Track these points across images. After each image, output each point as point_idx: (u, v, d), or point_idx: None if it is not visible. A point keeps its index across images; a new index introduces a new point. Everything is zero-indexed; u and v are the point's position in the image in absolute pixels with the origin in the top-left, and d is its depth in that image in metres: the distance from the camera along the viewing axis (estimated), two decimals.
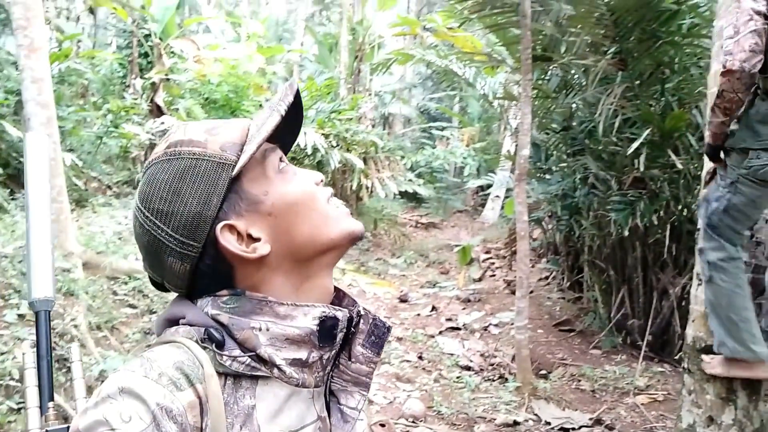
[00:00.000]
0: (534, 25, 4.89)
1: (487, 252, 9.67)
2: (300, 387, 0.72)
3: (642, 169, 4.81)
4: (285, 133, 0.80)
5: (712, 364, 2.63)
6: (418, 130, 16.76)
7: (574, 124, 6.23)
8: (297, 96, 0.77)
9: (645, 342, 5.18)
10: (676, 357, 5.02)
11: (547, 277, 8.06)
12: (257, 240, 0.72)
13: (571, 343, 5.88)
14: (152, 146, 8.15)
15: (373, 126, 11.22)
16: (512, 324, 6.14)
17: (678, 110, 4.62)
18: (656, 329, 5.40)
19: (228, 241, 0.71)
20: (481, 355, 5.57)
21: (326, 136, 8.46)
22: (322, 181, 0.80)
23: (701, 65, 4.90)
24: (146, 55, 8.74)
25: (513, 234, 7.84)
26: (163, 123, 6.99)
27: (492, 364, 5.34)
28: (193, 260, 0.72)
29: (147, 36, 8.26)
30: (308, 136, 7.99)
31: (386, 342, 0.79)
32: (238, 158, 0.72)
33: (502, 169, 11.19)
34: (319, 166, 8.44)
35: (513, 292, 6.73)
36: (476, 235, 10.92)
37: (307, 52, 12.42)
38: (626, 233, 5.19)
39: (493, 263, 9.11)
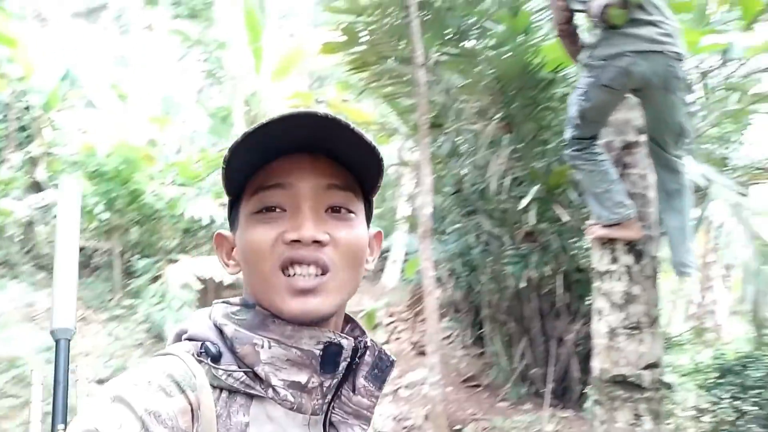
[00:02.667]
0: (426, 94, 5.23)
1: (390, 315, 9.72)
2: (295, 411, 0.70)
3: (533, 223, 5.17)
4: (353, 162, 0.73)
5: (594, 230, 3.02)
6: None
7: (466, 186, 6.61)
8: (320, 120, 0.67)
9: (548, 389, 5.40)
10: (578, 401, 5.27)
11: (449, 336, 8.22)
12: (234, 258, 0.76)
13: (480, 398, 5.99)
14: (31, 223, 7.57)
15: None
16: (422, 384, 6.17)
17: (559, 168, 5.07)
18: (556, 376, 5.66)
19: (218, 247, 0.77)
20: (394, 418, 5.53)
21: (223, 206, 8.29)
22: (300, 240, 0.69)
23: None
24: (24, 128, 8.24)
25: (415, 296, 8.00)
26: (44, 199, 6.56)
27: (405, 427, 5.30)
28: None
29: (26, 108, 7.83)
30: (204, 207, 7.80)
31: (388, 375, 0.76)
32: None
33: (399, 232, 11.48)
34: None
35: (420, 353, 6.81)
36: (378, 299, 10.98)
37: (201, 124, 12.31)
38: (522, 285, 5.50)
39: (396, 326, 9.17)
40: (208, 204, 7.84)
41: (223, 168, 0.71)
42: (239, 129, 10.78)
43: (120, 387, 0.63)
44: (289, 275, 0.69)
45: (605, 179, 2.89)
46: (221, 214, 8.00)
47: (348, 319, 0.80)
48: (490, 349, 6.85)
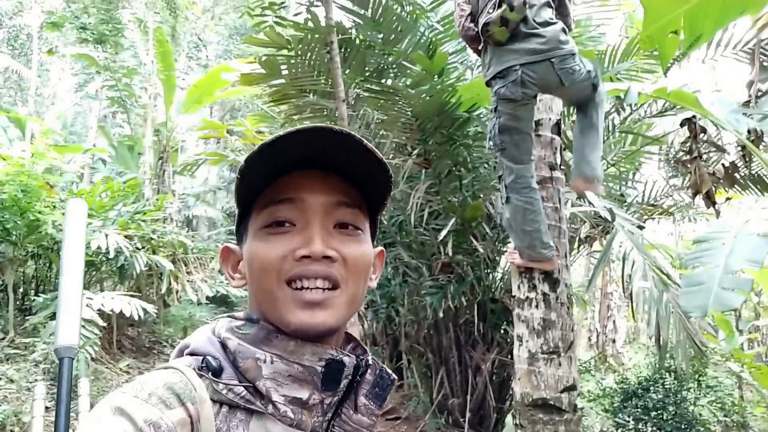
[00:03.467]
0: (347, 128, 5.32)
1: None
2: (294, 428, 0.70)
3: (450, 254, 5.32)
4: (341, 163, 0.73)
5: (515, 259, 3.18)
6: (224, 233, 16.44)
7: (384, 219, 6.73)
8: (331, 136, 0.68)
9: (466, 420, 5.50)
10: (494, 429, 5.40)
11: None
12: (240, 272, 0.78)
13: (399, 430, 5.99)
14: None
15: (179, 228, 10.78)
16: None
17: (475, 202, 5.28)
18: (474, 405, 5.77)
19: (224, 260, 0.79)
20: None
21: (130, 238, 7.90)
22: (311, 256, 0.70)
23: (487, 166, 5.73)
24: None
25: None
26: None
27: None
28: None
29: None
30: (109, 239, 7.40)
31: (389, 394, 0.77)
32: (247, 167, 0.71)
33: None
34: (122, 270, 7.80)
35: None
36: None
37: (106, 152, 11.73)
38: (440, 315, 5.61)
39: None
40: (114, 236, 7.44)
41: (238, 179, 0.71)
42: (148, 158, 10.39)
43: (120, 399, 0.63)
44: (295, 288, 0.70)
45: (536, 219, 3.00)
46: (128, 246, 7.62)
47: (349, 338, 0.80)
48: (408, 380, 6.90)
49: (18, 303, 6.58)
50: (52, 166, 7.44)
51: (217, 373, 0.68)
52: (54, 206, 6.66)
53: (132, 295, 6.83)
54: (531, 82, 2.88)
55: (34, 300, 6.27)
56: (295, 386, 0.70)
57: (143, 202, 9.14)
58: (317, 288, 0.70)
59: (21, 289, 6.94)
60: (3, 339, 5.83)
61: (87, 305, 6.43)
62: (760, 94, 4.21)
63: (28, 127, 10.64)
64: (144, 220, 8.30)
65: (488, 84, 3.08)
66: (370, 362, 0.75)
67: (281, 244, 0.71)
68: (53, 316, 6.05)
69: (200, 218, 16.15)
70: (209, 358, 0.69)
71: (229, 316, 0.75)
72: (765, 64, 4.35)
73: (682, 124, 4.60)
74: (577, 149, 3.16)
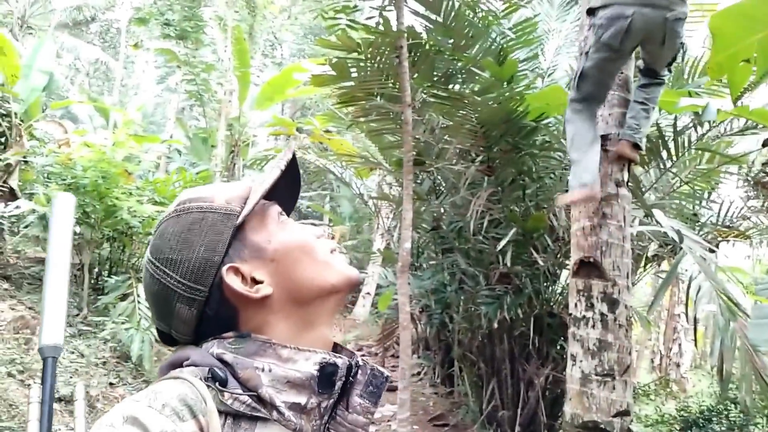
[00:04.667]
0: (412, 132, 5.33)
1: (359, 350, 9.65)
2: None
3: (509, 265, 5.24)
4: (284, 195, 0.88)
5: (560, 200, 3.26)
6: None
7: (444, 224, 6.69)
8: (294, 161, 0.85)
9: None
10: None
11: (419, 373, 8.20)
12: (260, 282, 0.77)
13: None
14: (1, 231, 7.39)
15: None
16: (389, 420, 6.11)
17: (538, 213, 5.18)
18: (524, 420, 5.66)
19: (233, 281, 0.76)
20: None
21: None
22: (324, 235, 0.84)
23: (553, 176, 5.61)
24: (1, 135, 8.09)
25: (386, 330, 7.97)
26: (18, 207, 6.41)
27: None
28: (201, 305, 0.76)
29: (5, 116, 7.71)
30: None
31: (384, 391, 0.79)
32: (242, 209, 0.79)
33: (373, 265, 11.49)
34: None
35: (389, 389, 6.75)
36: (348, 332, 10.91)
37: (182, 143, 12.24)
38: (495, 326, 5.53)
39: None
40: None
41: (227, 233, 0.78)
42: (220, 151, 10.76)
43: (134, 408, 0.64)
44: (335, 256, 0.83)
45: (585, 146, 3.03)
46: None
47: (335, 345, 0.84)
48: (459, 388, 6.85)
49: (92, 282, 6.97)
50: (130, 154, 7.83)
51: (224, 383, 0.70)
52: (130, 193, 7.01)
53: None
54: (638, 31, 2.86)
55: (106, 281, 6.63)
56: (293, 392, 0.72)
57: None
58: None
59: (96, 270, 7.35)
60: (77, 315, 6.19)
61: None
62: None
63: (111, 116, 11.25)
64: None
65: (590, 12, 3.08)
66: (360, 363, 0.78)
67: (305, 228, 0.84)
68: (123, 297, 6.39)
69: None
70: (215, 369, 0.71)
71: (215, 338, 0.76)
72: None
73: (764, 144, 4.35)
74: (632, 109, 3.17)
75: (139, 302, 6.14)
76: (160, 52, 11.35)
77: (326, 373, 0.74)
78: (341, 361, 0.75)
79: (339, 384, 0.75)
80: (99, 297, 6.57)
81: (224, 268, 0.76)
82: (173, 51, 10.94)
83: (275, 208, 0.83)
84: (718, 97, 4.79)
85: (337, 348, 0.83)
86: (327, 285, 0.79)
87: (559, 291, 5.85)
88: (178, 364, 0.74)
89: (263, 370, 0.72)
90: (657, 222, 4.26)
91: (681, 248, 4.09)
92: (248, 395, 0.71)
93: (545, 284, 5.66)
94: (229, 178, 10.68)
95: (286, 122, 11.71)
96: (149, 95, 19.57)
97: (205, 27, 11.20)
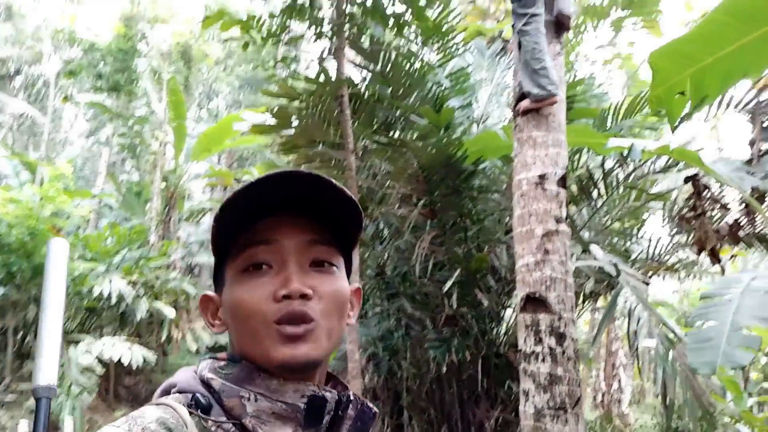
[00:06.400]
0: (356, 178, 5.39)
1: None
2: None
3: (455, 307, 5.29)
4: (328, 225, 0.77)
5: (524, 105, 3.43)
6: None
7: (388, 270, 6.70)
8: (307, 181, 0.72)
9: None
10: None
11: None
12: (219, 319, 0.79)
13: None
14: None
15: (183, 275, 10.78)
16: None
17: (480, 254, 5.29)
18: None
19: (203, 308, 0.80)
20: None
21: (133, 284, 7.90)
22: (290, 295, 0.72)
23: (492, 217, 5.77)
24: None
25: None
26: None
27: None
28: None
29: None
30: (113, 284, 7.39)
31: (372, 428, 0.77)
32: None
33: None
34: (123, 316, 7.76)
35: None
36: None
37: (114, 197, 11.85)
38: (444, 370, 5.52)
39: None
40: (117, 281, 7.43)
41: (213, 226, 0.74)
42: (155, 204, 10.48)
43: None
44: (279, 325, 0.71)
45: (543, 58, 3.30)
46: (130, 292, 7.59)
47: (330, 377, 0.81)
48: None
49: (16, 347, 6.52)
50: (59, 210, 7.52)
51: (206, 410, 0.69)
52: None
53: (132, 342, 6.77)
54: None
55: (32, 346, 6.22)
56: (278, 423, 0.71)
57: (148, 248, 9.17)
58: (297, 324, 0.72)
59: (21, 333, 6.89)
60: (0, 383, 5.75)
61: (87, 351, 6.37)
62: (761, 153, 4.28)
63: (39, 171, 10.79)
64: (148, 267, 8.32)
65: None
66: (352, 397, 0.76)
67: (262, 287, 0.73)
68: None
69: (203, 266, 16.11)
70: (198, 395, 0.70)
71: (211, 357, 0.76)
72: (765, 124, 4.43)
73: (686, 181, 4.66)
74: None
75: (69, 367, 5.77)
76: (91, 105, 11.09)
77: (314, 406, 0.72)
78: (330, 395, 0.73)
79: (327, 418, 0.73)
80: (24, 363, 6.14)
81: (202, 294, 0.79)
82: (105, 104, 10.71)
83: (255, 252, 0.74)
84: (641, 138, 5.12)
85: (330, 379, 0.81)
86: (258, 360, 0.73)
87: (503, 331, 5.93)
88: (167, 391, 0.74)
89: (249, 399, 0.70)
90: (594, 257, 4.44)
91: (617, 283, 4.26)
92: (232, 423, 0.69)
93: (491, 325, 5.74)
94: (164, 232, 10.38)
95: (223, 173, 11.59)
96: (78, 149, 18.96)
97: (139, 79, 11.06)
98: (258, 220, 0.74)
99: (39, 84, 18.94)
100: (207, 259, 15.72)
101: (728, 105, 4.99)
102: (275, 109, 5.38)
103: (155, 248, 9.32)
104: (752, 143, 4.37)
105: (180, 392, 0.72)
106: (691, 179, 4.60)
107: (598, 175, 5.43)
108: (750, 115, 4.70)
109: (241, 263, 0.74)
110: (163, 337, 8.03)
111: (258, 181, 0.70)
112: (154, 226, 10.24)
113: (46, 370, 0.84)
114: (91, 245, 7.50)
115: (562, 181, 3.46)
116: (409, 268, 5.87)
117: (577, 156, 5.55)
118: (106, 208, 14.37)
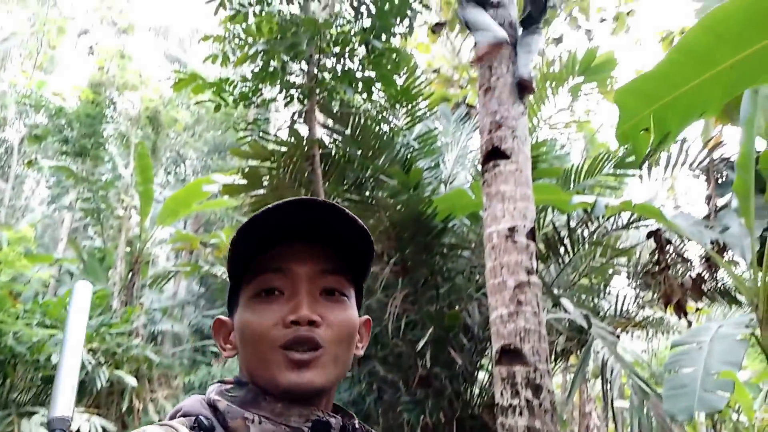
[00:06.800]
0: None
1: None
2: None
3: (428, 366, 5.22)
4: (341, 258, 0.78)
5: (479, 51, 3.63)
6: (189, 350, 15.86)
7: None
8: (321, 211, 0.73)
9: None
10: None
11: None
12: (230, 342, 0.80)
13: None
14: None
15: (145, 343, 10.42)
16: None
17: (452, 311, 5.28)
18: None
19: (216, 332, 0.82)
20: None
21: (93, 352, 7.59)
22: (298, 321, 0.73)
23: (463, 275, 5.80)
24: None
25: None
26: None
27: None
28: None
29: None
30: None
31: None
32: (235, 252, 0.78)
33: None
34: (82, 385, 7.39)
35: None
36: None
37: (76, 263, 11.53)
38: None
39: None
40: None
41: (230, 250, 0.76)
42: (119, 270, 10.23)
43: None
44: (286, 350, 0.72)
45: (482, 18, 3.61)
46: (90, 360, 7.28)
47: (337, 408, 0.81)
48: None
49: None
50: (17, 275, 7.28)
51: (209, 431, 0.70)
52: (17, 317, 6.43)
53: (91, 413, 6.44)
54: None
55: None
56: None
57: (110, 314, 8.88)
58: (304, 350, 0.73)
59: None
60: None
61: (41, 424, 6.01)
62: (717, 208, 4.47)
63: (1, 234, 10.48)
64: (110, 333, 8.02)
65: None
66: (357, 426, 0.77)
67: (272, 313, 0.74)
68: None
69: (166, 334, 15.60)
70: (201, 417, 0.71)
71: (219, 381, 0.77)
72: (719, 180, 4.66)
73: (648, 236, 4.80)
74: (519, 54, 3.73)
75: None
76: (56, 169, 10.96)
77: (318, 431, 0.72)
78: (335, 420, 0.73)
79: None
80: None
81: (216, 318, 0.82)
82: (70, 169, 10.61)
83: (266, 279, 0.76)
84: (602, 197, 5.30)
85: (337, 410, 0.81)
86: (266, 385, 0.74)
87: (477, 392, 5.86)
88: (173, 417, 0.75)
89: (253, 421, 0.71)
90: (565, 310, 4.48)
91: (589, 339, 4.29)
92: None
93: (464, 385, 5.66)
94: (127, 298, 10.09)
95: (189, 237, 11.44)
96: (38, 215, 18.54)
97: (106, 143, 11.03)
98: (273, 246, 0.76)
99: (1, 150, 18.69)
100: (169, 326, 15.27)
101: (683, 164, 5.25)
102: (246, 170, 5.42)
103: (117, 314, 9.03)
104: (708, 199, 4.57)
105: (184, 416, 0.73)
106: (654, 234, 4.76)
107: (564, 233, 5.56)
108: (704, 173, 4.95)
109: (253, 288, 0.76)
110: (124, 408, 7.65)
111: (274, 208, 0.73)
112: (116, 291, 9.96)
113: (62, 403, 0.85)
114: (51, 312, 7.21)
115: (531, 234, 3.53)
116: (381, 329, 5.80)
117: (543, 214, 5.70)
118: (67, 275, 13.95)
